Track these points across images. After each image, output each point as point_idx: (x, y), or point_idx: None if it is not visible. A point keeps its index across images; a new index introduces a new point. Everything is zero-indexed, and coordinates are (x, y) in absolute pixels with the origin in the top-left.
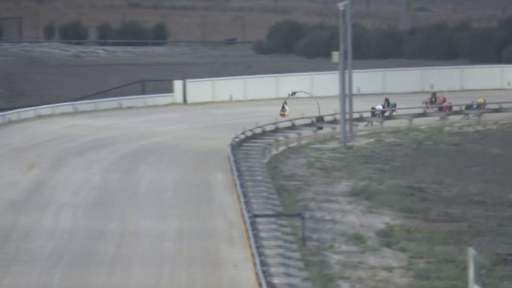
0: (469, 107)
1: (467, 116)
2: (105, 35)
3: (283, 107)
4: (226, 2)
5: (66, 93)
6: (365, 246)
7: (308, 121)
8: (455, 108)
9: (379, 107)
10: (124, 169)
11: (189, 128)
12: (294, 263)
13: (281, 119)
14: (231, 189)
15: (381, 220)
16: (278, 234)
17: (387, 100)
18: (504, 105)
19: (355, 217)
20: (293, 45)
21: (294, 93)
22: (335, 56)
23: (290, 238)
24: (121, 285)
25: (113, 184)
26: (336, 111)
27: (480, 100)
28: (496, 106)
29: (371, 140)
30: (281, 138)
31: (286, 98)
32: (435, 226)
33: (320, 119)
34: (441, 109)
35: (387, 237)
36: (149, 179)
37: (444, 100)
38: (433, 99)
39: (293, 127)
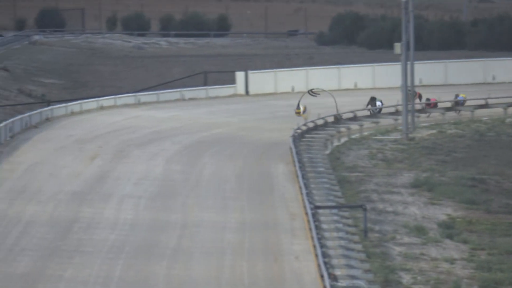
0: (458, 103)
1: (458, 112)
2: (168, 27)
3: (298, 105)
4: None
5: (128, 85)
6: (426, 237)
7: (368, 112)
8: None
9: (379, 103)
10: (186, 161)
11: (251, 119)
12: (356, 254)
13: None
14: (293, 180)
15: (443, 212)
16: (340, 225)
17: (373, 99)
18: None
19: (417, 209)
20: (355, 37)
21: (312, 90)
22: (397, 48)
23: (352, 229)
24: (182, 277)
25: (175, 176)
26: (398, 101)
27: (463, 95)
28: None
29: (433, 131)
30: (343, 129)
31: (302, 95)
32: (497, 217)
33: (339, 117)
34: (428, 105)
35: (448, 229)
36: (210, 170)
37: (420, 96)
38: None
39: (355, 118)
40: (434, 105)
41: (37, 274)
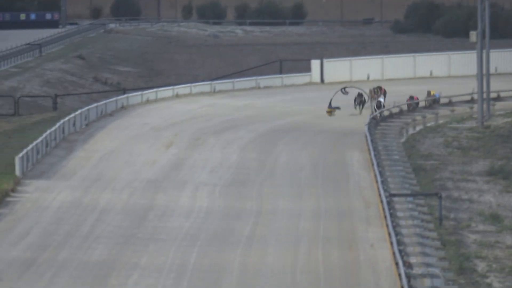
0: (434, 101)
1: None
2: (243, 15)
3: (330, 104)
4: None
5: (204, 73)
6: (502, 225)
7: (446, 100)
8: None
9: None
10: (260, 149)
11: (326, 107)
12: (431, 242)
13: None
14: (368, 168)
15: None
16: (415, 213)
17: (360, 95)
18: None
19: (492, 197)
20: (430, 25)
21: (345, 89)
22: (473, 36)
23: (427, 217)
24: (257, 265)
25: (250, 163)
26: (474, 90)
27: (432, 91)
28: None
29: (509, 119)
30: (418, 117)
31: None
32: None
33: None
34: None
35: None
36: (285, 158)
37: (384, 92)
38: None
39: (430, 107)
40: (416, 103)
41: (112, 262)
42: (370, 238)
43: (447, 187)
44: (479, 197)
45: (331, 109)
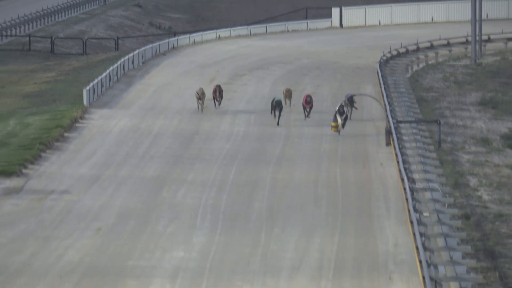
0: (351, 100)
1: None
2: None
3: (335, 117)
4: None
5: (242, 19)
6: (491, 147)
7: (444, 42)
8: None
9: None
10: (290, 83)
11: (344, 48)
12: (431, 161)
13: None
14: (379, 99)
15: (505, 126)
16: (418, 137)
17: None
18: None
19: (482, 123)
20: None
21: (353, 97)
22: None
23: (428, 140)
24: (286, 180)
25: (281, 95)
26: (468, 34)
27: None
28: None
29: (498, 58)
30: (421, 56)
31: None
32: None
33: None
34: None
35: (509, 140)
36: (310, 90)
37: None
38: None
39: (432, 47)
40: (309, 104)
41: (164, 178)
42: (380, 158)
43: (445, 115)
44: (472, 123)
45: (336, 123)
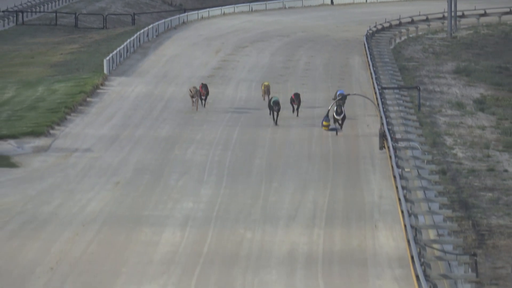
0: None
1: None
2: None
3: (327, 116)
4: None
5: None
6: (464, 110)
7: (424, 17)
8: None
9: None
10: (286, 54)
11: (334, 23)
12: (412, 123)
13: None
14: (365, 68)
15: (477, 91)
16: (400, 101)
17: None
18: None
19: (457, 89)
20: None
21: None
22: None
23: (409, 105)
24: (282, 138)
25: (278, 65)
26: (445, 10)
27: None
28: None
29: (471, 32)
30: (403, 30)
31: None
32: None
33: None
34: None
35: (481, 104)
36: (305, 60)
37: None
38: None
39: (412, 22)
40: (297, 100)
41: (175, 137)
42: (367, 120)
43: (424, 82)
44: (448, 89)
45: (328, 123)
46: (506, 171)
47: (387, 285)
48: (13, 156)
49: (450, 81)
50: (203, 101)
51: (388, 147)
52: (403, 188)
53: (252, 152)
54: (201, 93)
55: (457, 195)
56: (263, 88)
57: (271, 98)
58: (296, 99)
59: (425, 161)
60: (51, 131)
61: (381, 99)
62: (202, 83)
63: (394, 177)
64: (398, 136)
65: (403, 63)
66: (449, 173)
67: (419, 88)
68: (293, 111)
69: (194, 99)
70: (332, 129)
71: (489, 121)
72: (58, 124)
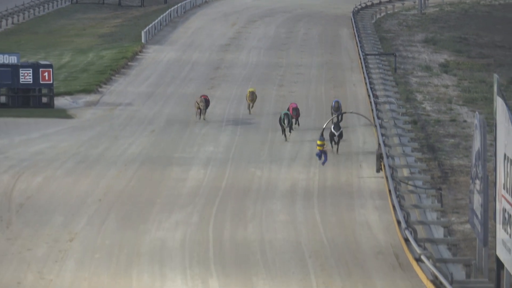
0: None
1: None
2: None
3: (321, 135)
4: None
5: None
6: (431, 72)
7: None
8: None
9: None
10: (288, 26)
11: (327, 1)
12: (389, 83)
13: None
14: (352, 38)
15: (441, 57)
16: (380, 65)
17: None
18: None
19: (426, 55)
20: None
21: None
22: None
23: (387, 68)
24: (286, 94)
25: (282, 35)
26: None
27: (251, 89)
28: None
29: (437, 9)
30: (382, 8)
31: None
32: (474, 60)
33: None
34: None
35: (445, 67)
36: (303, 32)
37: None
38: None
39: (390, 1)
40: (252, 99)
41: (199, 94)
42: (353, 80)
43: (399, 50)
44: (418, 55)
45: (322, 142)
46: (465, 121)
47: (369, 213)
48: (69, 109)
49: (420, 48)
50: (202, 115)
51: (370, 102)
52: (382, 135)
53: (261, 106)
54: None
55: (426, 140)
56: (248, 95)
57: (280, 114)
58: (294, 112)
59: (400, 113)
60: (99, 89)
61: (364, 63)
62: (203, 95)
63: (375, 126)
64: (378, 93)
65: (382, 34)
66: (419, 123)
67: (395, 54)
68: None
69: (198, 110)
70: (319, 156)
71: (451, 81)
72: (105, 83)
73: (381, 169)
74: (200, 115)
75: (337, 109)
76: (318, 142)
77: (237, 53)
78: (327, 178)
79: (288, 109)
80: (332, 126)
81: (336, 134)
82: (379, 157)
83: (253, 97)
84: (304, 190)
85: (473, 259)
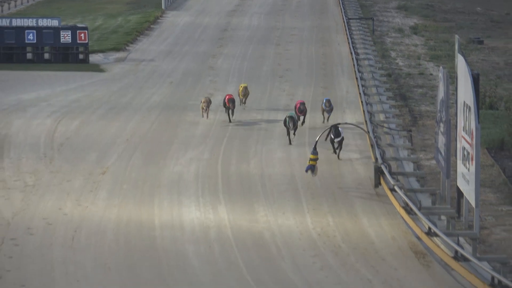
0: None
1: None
2: None
3: (314, 149)
4: None
5: None
6: (403, 34)
7: None
8: None
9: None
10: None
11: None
12: (368, 42)
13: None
14: (337, 5)
15: (412, 21)
16: (360, 28)
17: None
18: None
19: (399, 20)
20: None
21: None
22: None
23: (366, 30)
24: (283, 53)
25: (279, 3)
26: None
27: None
28: None
29: None
30: None
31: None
32: (439, 24)
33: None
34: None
35: (415, 29)
36: (296, 0)
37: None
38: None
39: None
40: (230, 101)
41: (209, 52)
42: (338, 40)
43: (376, 15)
44: (392, 20)
45: (315, 156)
46: (431, 74)
47: (351, 152)
48: (101, 64)
49: (394, 14)
50: (232, 112)
51: (352, 59)
52: (362, 86)
53: (261, 62)
54: (228, 105)
55: (398, 90)
56: (240, 90)
57: (286, 116)
58: (300, 112)
59: (377, 68)
60: (127, 48)
61: (347, 26)
62: (228, 96)
63: (357, 78)
64: (359, 51)
65: (362, 1)
66: (393, 75)
67: (373, 18)
68: (301, 123)
69: (203, 110)
70: (308, 169)
71: (420, 41)
72: (131, 43)
73: (379, 183)
74: (206, 114)
75: (329, 109)
76: (311, 156)
77: (241, 18)
78: (316, 123)
79: (295, 107)
80: (332, 132)
81: (336, 140)
82: (377, 171)
83: (245, 92)
84: (297, 132)
85: (438, 189)
